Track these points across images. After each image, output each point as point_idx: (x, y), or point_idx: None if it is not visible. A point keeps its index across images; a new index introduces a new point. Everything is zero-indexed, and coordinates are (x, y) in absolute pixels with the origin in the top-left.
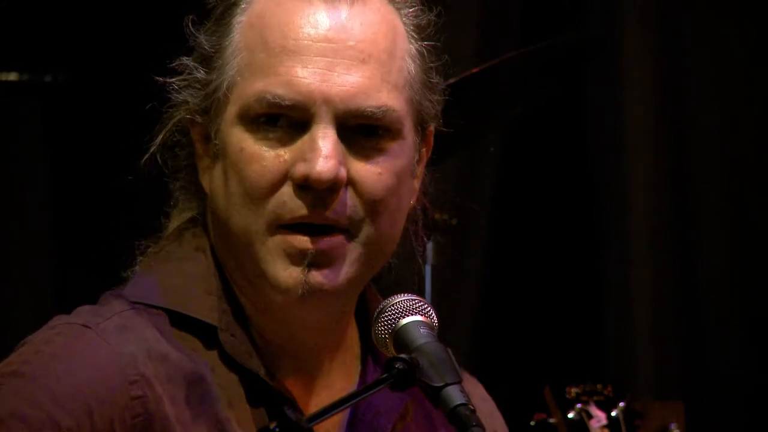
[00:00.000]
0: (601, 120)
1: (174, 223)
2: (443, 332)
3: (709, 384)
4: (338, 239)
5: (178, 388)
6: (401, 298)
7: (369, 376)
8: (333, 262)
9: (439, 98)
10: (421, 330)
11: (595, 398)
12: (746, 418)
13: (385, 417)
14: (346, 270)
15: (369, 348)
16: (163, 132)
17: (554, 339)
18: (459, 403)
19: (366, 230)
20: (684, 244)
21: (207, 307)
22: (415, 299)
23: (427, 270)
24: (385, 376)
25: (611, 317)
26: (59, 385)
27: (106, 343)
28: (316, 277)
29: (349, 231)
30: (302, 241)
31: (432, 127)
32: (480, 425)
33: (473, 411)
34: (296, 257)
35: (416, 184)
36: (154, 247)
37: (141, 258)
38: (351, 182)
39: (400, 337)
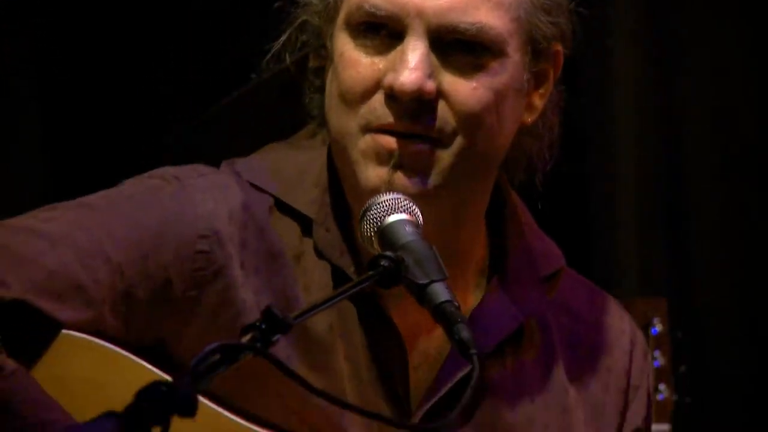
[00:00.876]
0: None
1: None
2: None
3: (692, 282)
4: (425, 146)
5: (253, 255)
6: (387, 197)
7: (492, 295)
8: (419, 167)
9: (563, 19)
10: (407, 228)
11: None
12: (727, 314)
13: (491, 336)
14: (434, 178)
15: (499, 266)
16: (288, 32)
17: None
18: (444, 300)
19: (459, 142)
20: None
21: (308, 199)
22: (400, 197)
23: None
24: (370, 274)
25: (598, 218)
26: (122, 222)
27: (188, 196)
28: (401, 179)
29: (441, 141)
30: (389, 142)
31: (559, 47)
32: (464, 321)
33: (458, 307)
34: (384, 157)
35: (533, 101)
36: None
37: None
38: (443, 95)
39: (385, 235)
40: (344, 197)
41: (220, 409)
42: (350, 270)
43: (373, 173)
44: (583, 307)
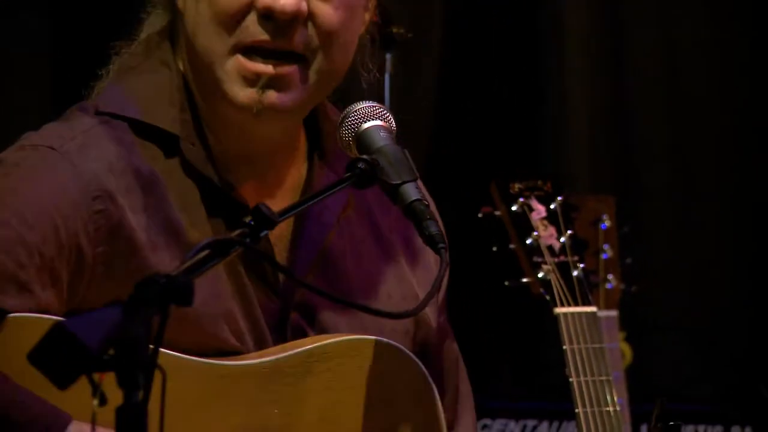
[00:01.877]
0: None
1: (145, 32)
2: (401, 135)
3: (638, 183)
4: (293, 67)
5: (137, 197)
6: (363, 105)
7: (316, 171)
8: (287, 86)
9: None
10: (381, 134)
11: (536, 193)
12: (668, 211)
13: (331, 210)
14: (299, 93)
15: (315, 146)
16: None
17: (500, 139)
18: (414, 198)
19: (319, 59)
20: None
21: (170, 118)
22: (375, 106)
23: (386, 79)
24: (348, 174)
25: (550, 120)
26: (27, 205)
27: (71, 163)
28: (271, 97)
29: (305, 59)
30: (257, 67)
31: None
32: (433, 218)
33: (427, 205)
34: (252, 80)
35: (367, 16)
36: (123, 56)
37: (111, 65)
38: (310, 16)
39: (362, 140)
40: (199, 114)
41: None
42: (215, 179)
43: (242, 94)
44: None
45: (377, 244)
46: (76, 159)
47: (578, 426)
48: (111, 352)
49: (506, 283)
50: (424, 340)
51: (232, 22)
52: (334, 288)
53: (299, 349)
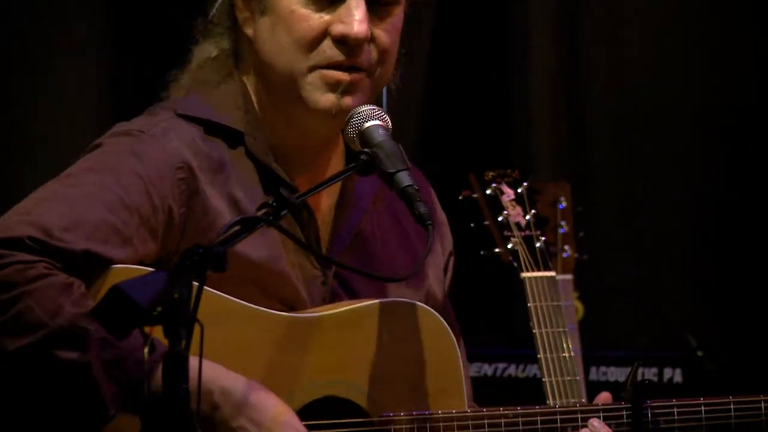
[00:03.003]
0: None
1: (200, 55)
2: (396, 132)
3: (589, 171)
4: (362, 75)
5: (208, 173)
6: (365, 108)
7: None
8: (357, 91)
9: None
10: (380, 131)
11: (506, 179)
12: (613, 194)
13: (365, 199)
14: (364, 98)
15: (351, 149)
16: None
17: (477, 135)
18: (407, 184)
19: (378, 71)
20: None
21: (236, 118)
22: (375, 108)
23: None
24: (352, 165)
25: (519, 119)
26: (124, 175)
27: (157, 142)
28: (347, 101)
29: (369, 70)
30: (339, 75)
31: None
32: (422, 201)
33: (417, 190)
34: (334, 86)
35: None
36: (188, 72)
37: (174, 82)
38: (372, 38)
39: (364, 136)
40: (260, 117)
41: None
42: (273, 165)
43: (323, 98)
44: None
45: (397, 231)
46: (161, 139)
47: (540, 368)
48: (159, 309)
49: (482, 253)
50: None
51: (310, 46)
52: (364, 264)
53: (346, 308)
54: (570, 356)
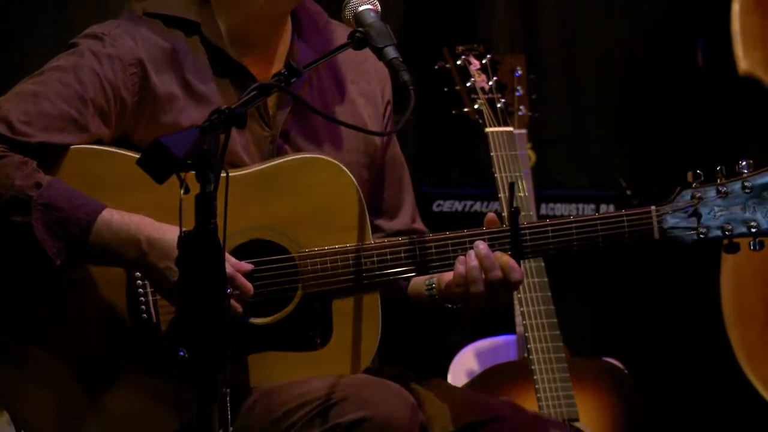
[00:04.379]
0: None
1: None
2: (383, 15)
3: (541, 42)
4: None
5: (161, 63)
6: None
7: (296, 45)
8: None
9: None
10: (372, 14)
11: (473, 52)
12: (560, 63)
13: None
14: None
15: (295, 27)
16: None
17: (451, 18)
18: (393, 57)
19: None
20: None
21: (192, 12)
22: None
23: None
24: (349, 41)
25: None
26: (84, 73)
27: (116, 41)
28: None
29: None
30: None
31: None
32: (407, 70)
33: (402, 61)
34: None
35: None
36: None
37: None
38: None
39: (358, 17)
40: (212, 10)
41: None
42: (228, 50)
43: None
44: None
45: (340, 96)
46: (118, 40)
47: (500, 205)
48: (191, 159)
49: (453, 112)
50: (374, 163)
51: None
52: (305, 126)
53: (268, 165)
54: (524, 195)
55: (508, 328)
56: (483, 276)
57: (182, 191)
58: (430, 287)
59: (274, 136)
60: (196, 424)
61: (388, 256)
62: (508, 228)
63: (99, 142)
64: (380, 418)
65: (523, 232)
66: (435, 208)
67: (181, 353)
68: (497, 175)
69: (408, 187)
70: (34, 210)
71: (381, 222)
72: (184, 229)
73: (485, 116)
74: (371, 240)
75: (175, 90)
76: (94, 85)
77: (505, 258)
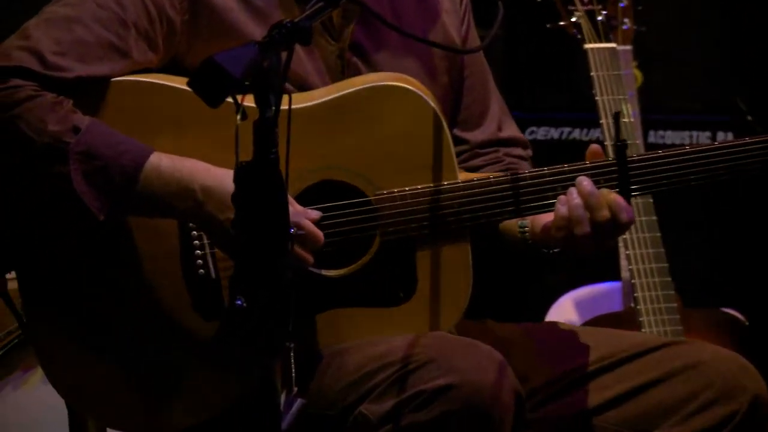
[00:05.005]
0: None
1: None
2: None
3: None
4: None
5: None
6: None
7: None
8: None
9: None
10: None
11: None
12: None
13: None
14: None
15: None
16: None
17: None
18: None
19: None
20: None
21: None
22: None
23: None
24: None
25: None
26: None
27: None
28: None
29: None
30: None
31: None
32: None
33: None
34: None
35: None
36: None
37: None
38: None
39: None
40: None
41: None
42: None
43: None
44: None
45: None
46: None
47: (602, 132)
48: (249, 79)
49: (548, 26)
50: (454, 66)
51: None
52: (378, 33)
53: (335, 95)
54: (630, 121)
55: (612, 274)
56: (588, 216)
57: (239, 117)
58: (523, 230)
59: (341, 49)
60: (256, 386)
61: (478, 197)
62: (614, 161)
63: (145, 71)
64: (469, 386)
65: (632, 166)
66: (527, 135)
67: (239, 302)
68: (598, 98)
69: (494, 91)
70: (72, 159)
71: (464, 133)
72: (240, 160)
73: (584, 30)
74: (458, 177)
75: (232, 4)
76: (135, 5)
77: (612, 196)
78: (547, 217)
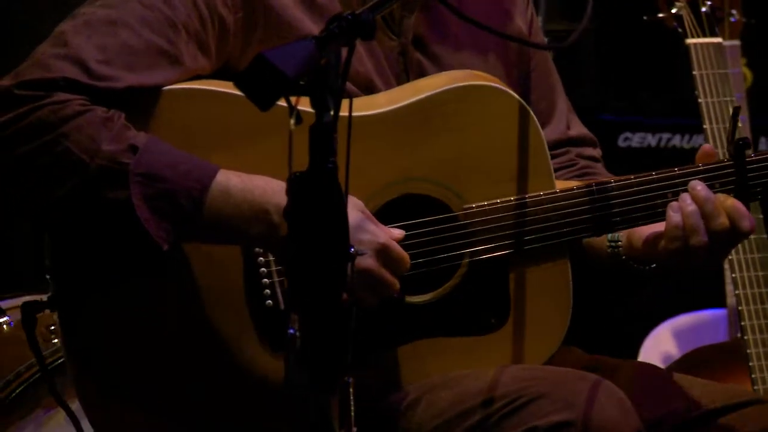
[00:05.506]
0: None
1: None
2: None
3: None
4: None
5: None
6: None
7: None
8: None
9: None
10: None
11: None
12: None
13: None
14: None
15: None
16: None
17: None
18: None
19: None
20: None
21: None
22: None
23: None
24: None
25: None
26: None
27: None
28: None
29: None
30: None
31: None
32: None
33: None
34: None
35: None
36: None
37: None
38: None
39: None
40: None
41: None
42: None
43: None
44: None
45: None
46: None
47: (705, 139)
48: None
49: (644, 18)
50: (522, 60)
51: None
52: (441, 26)
53: (411, 100)
54: (739, 126)
55: (717, 300)
56: (704, 224)
57: (293, 121)
58: (614, 244)
59: (404, 45)
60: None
61: (580, 207)
62: (731, 162)
63: (197, 78)
64: (590, 424)
65: (751, 167)
66: (621, 142)
67: (291, 331)
68: (701, 100)
69: (559, 87)
70: (132, 183)
71: None
72: (295, 171)
73: (686, 24)
74: (554, 185)
75: (287, 0)
76: (185, 4)
77: (730, 201)
78: (646, 229)
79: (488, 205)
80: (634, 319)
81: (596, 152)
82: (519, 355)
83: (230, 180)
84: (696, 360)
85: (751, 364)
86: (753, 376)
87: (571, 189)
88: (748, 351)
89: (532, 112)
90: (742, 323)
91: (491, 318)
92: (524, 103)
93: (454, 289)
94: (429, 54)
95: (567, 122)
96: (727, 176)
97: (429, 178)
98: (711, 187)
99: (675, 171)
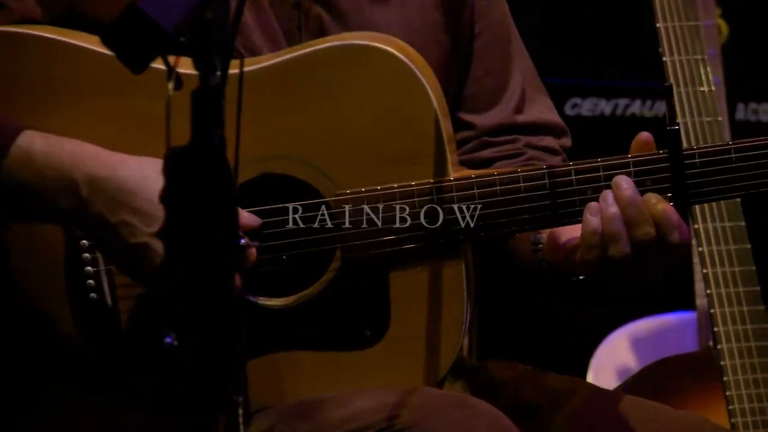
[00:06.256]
0: None
1: None
2: None
3: None
4: None
5: None
6: None
7: None
8: None
9: None
10: None
11: None
12: None
13: None
14: None
15: None
16: None
17: None
18: None
19: None
20: None
21: None
22: None
23: None
24: None
25: None
26: None
27: None
28: None
29: None
30: None
31: None
32: None
33: None
34: None
35: None
36: None
37: None
38: None
39: None
40: None
41: None
42: None
43: None
44: None
45: None
46: None
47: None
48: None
49: None
50: (459, 21)
51: None
52: None
53: (281, 58)
54: (710, 90)
55: (684, 301)
56: (627, 232)
57: (171, 85)
58: (536, 246)
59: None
60: None
61: (476, 200)
62: (665, 154)
63: (28, 22)
64: None
65: (690, 161)
66: (569, 110)
67: (168, 340)
68: (666, 58)
69: (518, 58)
70: None
71: (469, 115)
72: (173, 145)
73: None
74: (450, 174)
75: None
76: None
77: (661, 206)
78: (567, 232)
79: (366, 191)
80: (584, 324)
81: (558, 143)
82: (401, 375)
83: (35, 141)
84: (658, 374)
85: (725, 378)
86: (728, 393)
87: (469, 177)
88: (722, 363)
89: (431, 85)
90: (715, 329)
91: (365, 329)
92: (418, 72)
93: (321, 293)
94: (330, 8)
95: (518, 105)
96: (662, 171)
97: (295, 156)
98: (642, 184)
99: (597, 162)
